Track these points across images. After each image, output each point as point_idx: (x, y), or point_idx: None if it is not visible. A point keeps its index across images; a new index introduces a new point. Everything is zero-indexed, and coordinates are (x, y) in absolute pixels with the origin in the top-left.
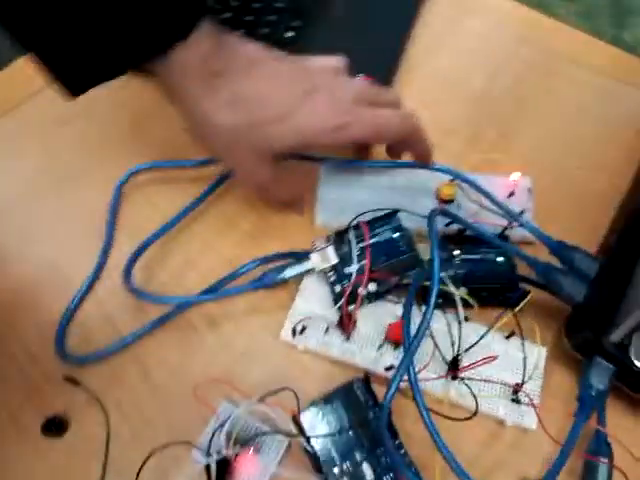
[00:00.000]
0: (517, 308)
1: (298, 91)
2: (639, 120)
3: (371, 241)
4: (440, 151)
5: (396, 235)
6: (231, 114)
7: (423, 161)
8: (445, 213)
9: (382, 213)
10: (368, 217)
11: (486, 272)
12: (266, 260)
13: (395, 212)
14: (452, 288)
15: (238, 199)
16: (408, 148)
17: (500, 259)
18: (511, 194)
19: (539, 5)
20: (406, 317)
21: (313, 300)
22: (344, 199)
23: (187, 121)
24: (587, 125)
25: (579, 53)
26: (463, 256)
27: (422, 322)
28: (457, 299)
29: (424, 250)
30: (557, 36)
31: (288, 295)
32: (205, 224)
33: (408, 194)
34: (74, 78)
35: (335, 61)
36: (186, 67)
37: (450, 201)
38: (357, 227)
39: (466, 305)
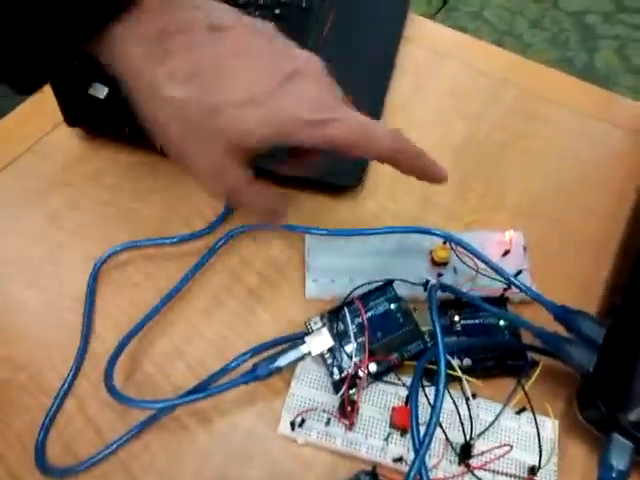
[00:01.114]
0: (529, 383)
1: (277, 72)
2: (625, 160)
3: (367, 315)
4: (429, 206)
5: (393, 306)
6: (184, 86)
7: (431, 181)
8: (444, 288)
9: (376, 285)
10: (361, 290)
11: (489, 339)
12: (257, 350)
13: (390, 283)
14: (455, 365)
15: (223, 274)
16: (403, 168)
17: (502, 323)
18: (506, 252)
19: (509, 33)
20: (413, 407)
21: (310, 385)
22: (334, 267)
23: (137, 108)
24: (574, 168)
25: (560, 94)
26: (463, 322)
27: (431, 417)
28: (463, 379)
29: (422, 318)
30: (537, 78)
31: (283, 381)
32: (190, 304)
33: (400, 257)
34: (21, 73)
35: (322, 61)
36: (129, 31)
37: (444, 264)
38: (351, 302)
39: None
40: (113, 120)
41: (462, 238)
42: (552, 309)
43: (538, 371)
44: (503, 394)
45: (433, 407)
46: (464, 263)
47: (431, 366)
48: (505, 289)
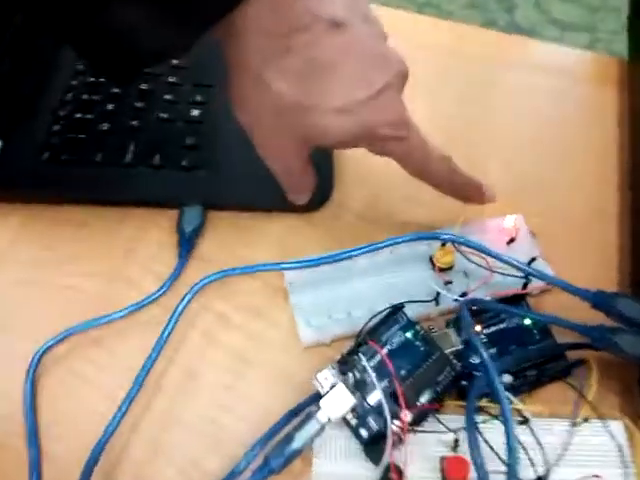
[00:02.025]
0: (591, 390)
1: (374, 82)
2: (597, 113)
3: (385, 351)
4: (411, 206)
5: (409, 335)
6: (293, 85)
7: (480, 203)
8: (475, 302)
9: (381, 316)
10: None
11: (531, 350)
12: (266, 438)
13: (399, 308)
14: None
15: (196, 339)
16: (449, 191)
17: (527, 322)
18: (511, 240)
19: (428, 5)
20: (476, 455)
21: (336, 457)
22: (325, 302)
23: (237, 92)
24: (551, 132)
25: (513, 56)
26: (486, 331)
27: (511, 464)
28: (514, 402)
29: (442, 339)
30: (483, 43)
31: (302, 460)
32: (162, 386)
33: (397, 272)
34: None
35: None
36: (253, 23)
37: (450, 268)
38: (360, 344)
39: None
40: (13, 178)
41: (466, 237)
42: (588, 297)
43: (595, 372)
44: (555, 406)
45: (510, 449)
46: (474, 263)
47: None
48: (526, 284)
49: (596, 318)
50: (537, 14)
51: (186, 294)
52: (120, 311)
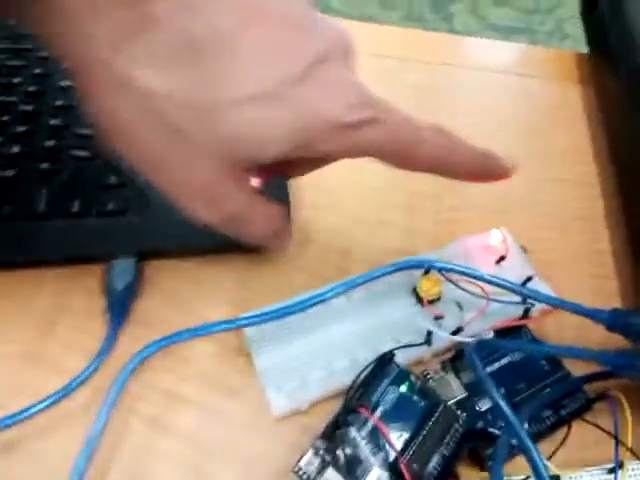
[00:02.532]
0: (628, 434)
1: (302, 52)
2: (564, 110)
3: (378, 414)
4: (380, 230)
5: (404, 389)
6: (167, 73)
7: (497, 178)
8: (483, 344)
9: (367, 370)
10: (351, 380)
11: (531, 382)
12: None
13: (389, 358)
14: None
15: (141, 425)
16: (458, 171)
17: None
18: (501, 259)
19: (360, 18)
20: None
21: None
22: (297, 360)
23: (96, 106)
24: (518, 134)
25: (467, 58)
26: (489, 369)
27: None
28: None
29: (440, 385)
30: (431, 46)
31: None
32: None
33: (378, 309)
34: None
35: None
36: None
37: (437, 299)
38: (347, 411)
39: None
40: None
41: (450, 260)
42: (602, 319)
43: (627, 406)
44: (581, 452)
45: None
46: (466, 291)
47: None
48: (528, 309)
49: (600, 334)
50: (474, 20)
51: (122, 371)
52: (40, 403)
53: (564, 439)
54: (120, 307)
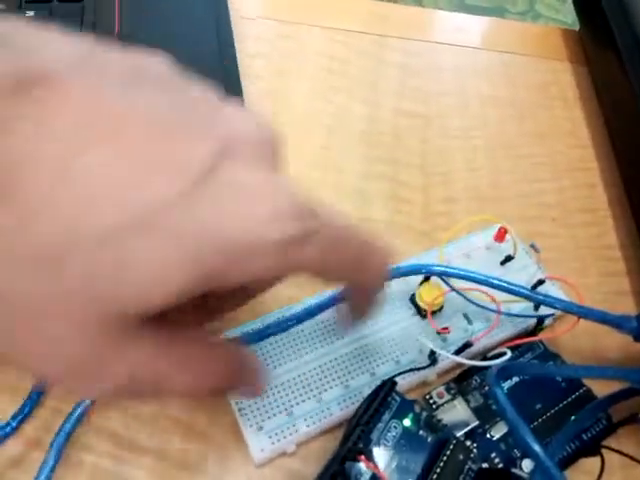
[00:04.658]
0: None
1: (190, 163)
2: (554, 91)
3: (381, 464)
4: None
5: (408, 423)
6: None
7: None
8: (506, 372)
9: (366, 401)
10: (347, 414)
11: (548, 402)
12: None
13: (391, 387)
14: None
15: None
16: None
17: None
18: (507, 259)
19: None
20: None
21: None
22: (278, 391)
23: None
24: (510, 120)
25: (448, 34)
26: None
27: None
28: None
29: (448, 414)
30: (408, 23)
31: None
32: None
33: (372, 324)
34: None
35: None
36: None
37: (440, 309)
38: (344, 459)
39: None
40: None
41: (446, 268)
42: (629, 329)
43: None
44: None
45: None
46: (473, 303)
47: None
48: (542, 319)
49: (616, 338)
50: (448, 1)
51: (67, 417)
52: None
53: (600, 474)
54: None
